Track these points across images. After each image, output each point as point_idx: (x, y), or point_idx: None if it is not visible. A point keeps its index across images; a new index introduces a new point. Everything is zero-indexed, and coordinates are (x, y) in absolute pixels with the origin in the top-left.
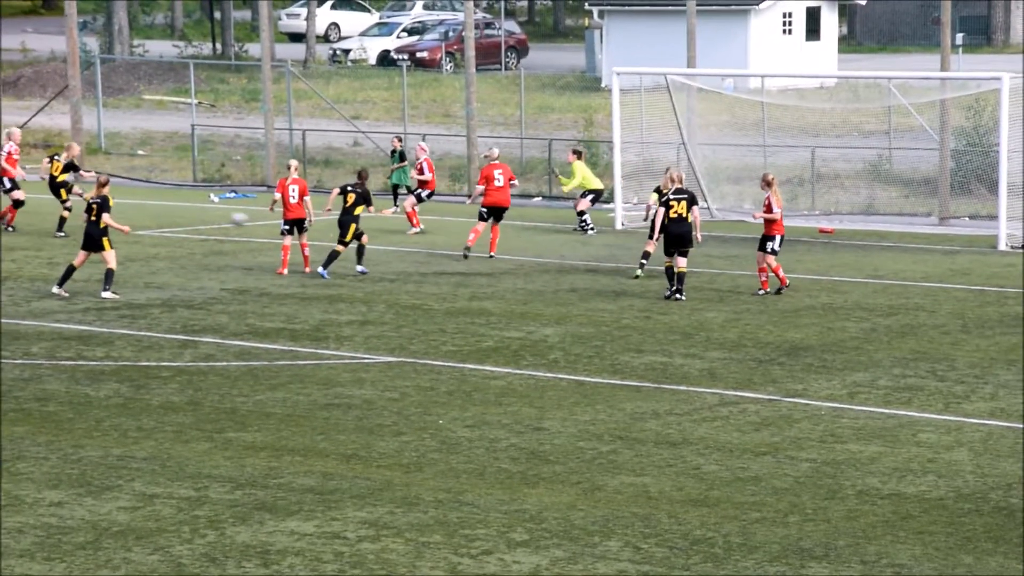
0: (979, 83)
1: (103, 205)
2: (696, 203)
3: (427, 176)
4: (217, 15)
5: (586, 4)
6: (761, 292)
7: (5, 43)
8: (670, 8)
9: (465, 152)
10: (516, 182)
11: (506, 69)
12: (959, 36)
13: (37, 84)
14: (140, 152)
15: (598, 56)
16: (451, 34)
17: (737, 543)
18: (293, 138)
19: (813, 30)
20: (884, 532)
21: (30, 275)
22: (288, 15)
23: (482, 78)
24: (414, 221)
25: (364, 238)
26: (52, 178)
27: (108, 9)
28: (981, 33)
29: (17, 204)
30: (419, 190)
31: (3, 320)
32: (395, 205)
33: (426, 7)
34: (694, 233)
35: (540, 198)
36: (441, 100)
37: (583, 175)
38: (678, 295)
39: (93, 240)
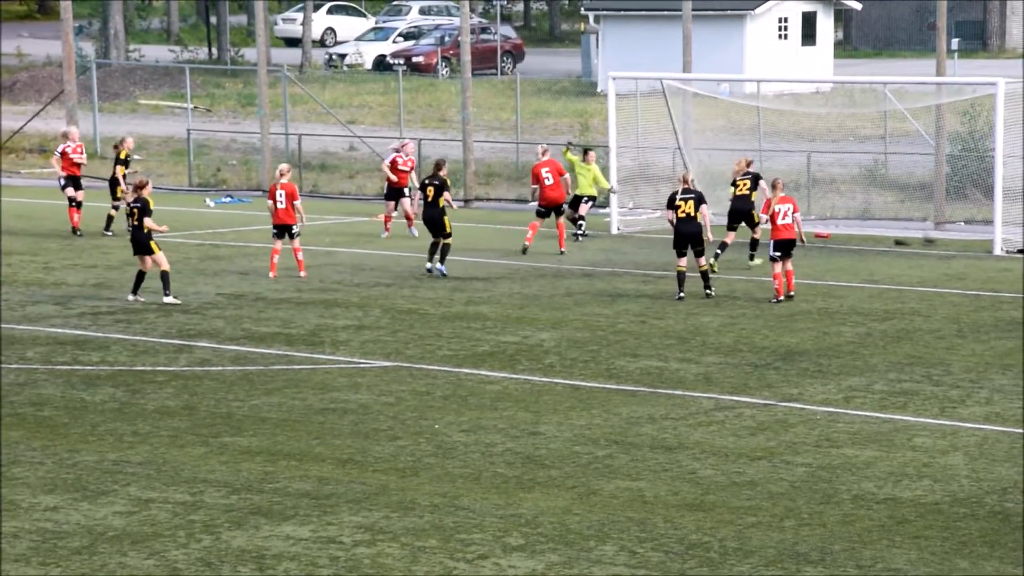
0: (975, 88)
1: (144, 209)
2: (704, 202)
3: (392, 175)
4: (213, 20)
5: (582, 9)
6: (775, 300)
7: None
8: (666, 13)
9: (461, 157)
10: (567, 176)
11: (502, 74)
12: (955, 41)
13: (33, 89)
14: (136, 157)
15: (594, 61)
16: (447, 39)
17: (733, 547)
18: (289, 143)
19: (809, 35)
20: (880, 536)
21: (26, 279)
22: (284, 20)
23: (478, 83)
24: (387, 227)
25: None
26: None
27: (104, 14)
28: (977, 38)
29: (73, 203)
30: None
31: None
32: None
33: (422, 12)
34: (704, 233)
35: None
36: (437, 105)
37: (596, 175)
38: (708, 291)
39: (140, 245)
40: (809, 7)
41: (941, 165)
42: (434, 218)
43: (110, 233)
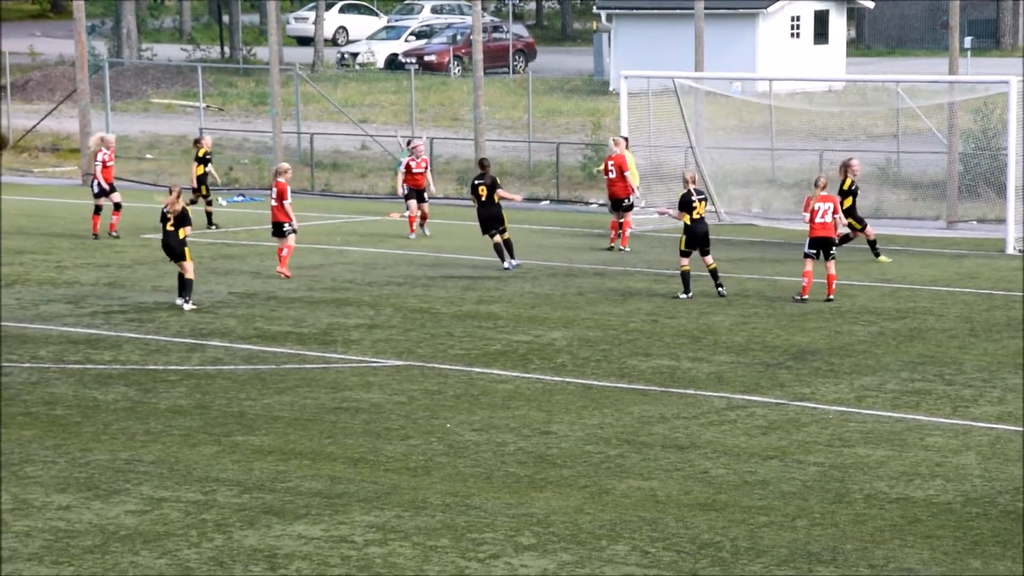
0: (987, 86)
1: (184, 217)
2: (706, 200)
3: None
4: (225, 19)
5: (594, 8)
6: (799, 298)
7: (14, 47)
8: (678, 12)
9: (473, 156)
10: (627, 172)
11: (514, 73)
12: (967, 39)
13: (46, 88)
14: (148, 156)
15: (606, 60)
16: (459, 38)
17: (745, 547)
18: (301, 142)
19: (821, 33)
20: (892, 536)
21: (38, 279)
22: (296, 19)
23: (490, 82)
24: (411, 226)
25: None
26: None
27: (117, 13)
28: (990, 36)
29: (98, 210)
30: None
31: (12, 324)
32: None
33: (434, 11)
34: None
35: (548, 202)
36: (449, 104)
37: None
38: (720, 289)
39: (176, 251)
40: (822, 6)
41: (954, 163)
42: (493, 215)
43: (215, 227)
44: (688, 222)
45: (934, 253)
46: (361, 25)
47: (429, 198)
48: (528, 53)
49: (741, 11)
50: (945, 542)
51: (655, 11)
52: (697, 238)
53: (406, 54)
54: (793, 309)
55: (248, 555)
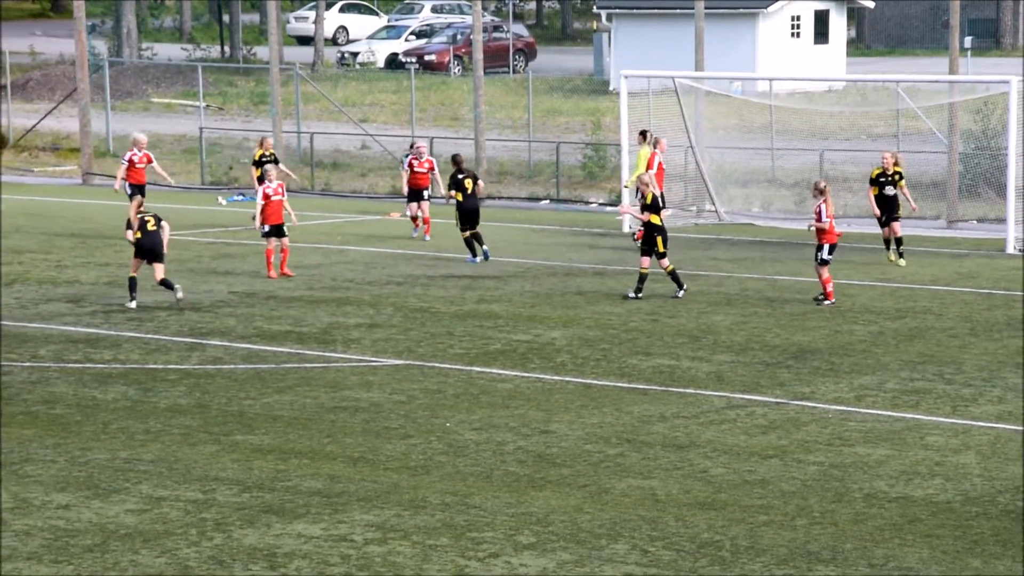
0: (988, 86)
1: (159, 217)
2: None
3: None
4: (225, 18)
5: (594, 7)
6: (827, 302)
7: (14, 46)
8: (678, 11)
9: (473, 155)
10: (651, 172)
11: (514, 72)
12: (968, 39)
13: (46, 87)
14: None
15: (606, 59)
16: (459, 37)
17: (744, 546)
18: (301, 141)
19: (821, 33)
20: (891, 535)
21: (38, 278)
22: (296, 18)
23: (490, 81)
24: (416, 224)
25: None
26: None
27: (117, 12)
28: (990, 36)
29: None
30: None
31: (12, 323)
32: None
33: (434, 10)
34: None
35: (548, 201)
36: (449, 103)
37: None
38: (681, 289)
39: (152, 251)
40: (822, 5)
41: (954, 163)
42: (476, 208)
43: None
44: (657, 223)
45: (934, 253)
46: (361, 24)
47: (429, 197)
48: (528, 53)
49: (741, 11)
50: (945, 541)
51: (655, 11)
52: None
53: (406, 53)
54: (792, 308)
55: (248, 554)
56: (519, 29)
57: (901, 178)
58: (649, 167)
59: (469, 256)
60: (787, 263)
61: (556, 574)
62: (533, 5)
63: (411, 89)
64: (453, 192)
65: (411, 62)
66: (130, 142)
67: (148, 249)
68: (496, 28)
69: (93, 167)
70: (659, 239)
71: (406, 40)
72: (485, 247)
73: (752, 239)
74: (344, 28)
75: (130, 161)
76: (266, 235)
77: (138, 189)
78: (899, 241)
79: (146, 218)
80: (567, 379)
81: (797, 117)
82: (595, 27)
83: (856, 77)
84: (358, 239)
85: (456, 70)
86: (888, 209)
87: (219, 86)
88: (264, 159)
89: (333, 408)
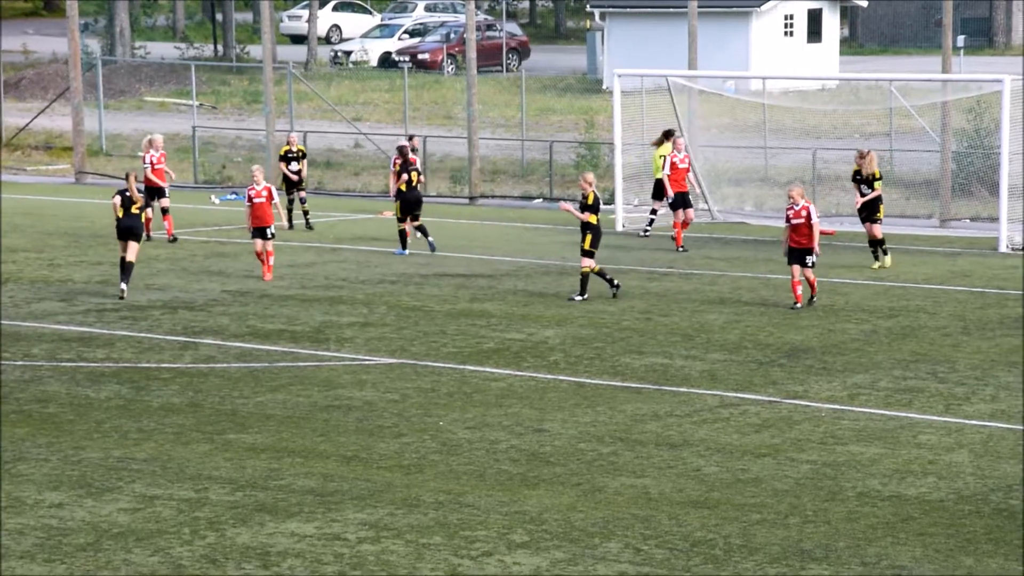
0: (980, 85)
1: (146, 203)
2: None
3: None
4: (219, 17)
5: (587, 6)
6: (797, 305)
7: (7, 44)
8: (671, 10)
9: (466, 154)
10: (663, 173)
11: (507, 71)
12: (960, 38)
13: (39, 86)
14: (141, 153)
15: (599, 58)
16: (452, 36)
17: (737, 544)
18: None
19: (815, 32)
20: (884, 534)
21: (31, 277)
22: (290, 17)
23: (483, 80)
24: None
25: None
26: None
27: (110, 11)
28: (983, 35)
29: (164, 211)
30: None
31: (5, 322)
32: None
33: (428, 9)
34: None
35: (541, 200)
36: (442, 102)
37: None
38: (615, 287)
39: (135, 233)
40: (815, 4)
41: (947, 162)
42: (419, 198)
43: (290, 226)
44: (594, 222)
45: (927, 251)
46: (355, 23)
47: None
48: (522, 51)
49: (734, 9)
50: (937, 539)
51: (648, 9)
52: (601, 238)
53: (400, 52)
54: (786, 308)
55: (241, 553)
56: (512, 28)
57: (878, 179)
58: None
59: (398, 248)
60: (780, 262)
61: (549, 573)
62: (526, 4)
63: (404, 88)
64: (399, 181)
65: (404, 61)
66: (145, 143)
67: (126, 228)
68: (489, 27)
69: (86, 166)
70: (588, 237)
71: (399, 39)
72: (431, 239)
73: (745, 238)
74: (337, 27)
75: (151, 163)
76: (252, 236)
77: (156, 192)
78: (880, 242)
79: (133, 199)
80: (560, 378)
81: (790, 116)
82: (588, 26)
83: (849, 76)
84: (351, 238)
85: (449, 69)
86: (864, 209)
87: (212, 85)
88: (290, 155)
89: (326, 407)
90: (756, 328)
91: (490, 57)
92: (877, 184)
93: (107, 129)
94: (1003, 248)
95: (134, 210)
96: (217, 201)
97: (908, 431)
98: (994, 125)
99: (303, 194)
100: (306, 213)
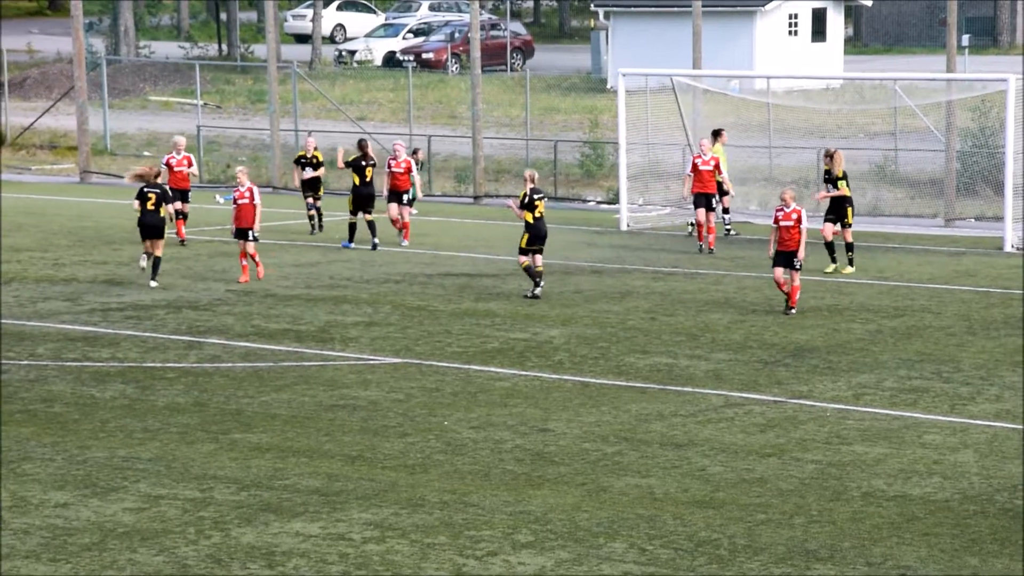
0: (985, 84)
1: (164, 195)
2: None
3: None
4: (223, 16)
5: (592, 5)
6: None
7: (12, 44)
8: (676, 9)
9: (471, 153)
10: (683, 174)
11: (512, 70)
12: (965, 37)
13: (43, 85)
14: (146, 153)
15: (604, 57)
16: (457, 35)
17: (742, 544)
18: (299, 139)
19: (819, 31)
20: (889, 534)
21: (35, 276)
22: (294, 16)
23: (488, 79)
24: (396, 226)
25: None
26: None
27: (114, 10)
28: (987, 34)
29: (180, 215)
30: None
31: (10, 321)
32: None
33: (432, 8)
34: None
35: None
36: (447, 101)
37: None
38: (536, 291)
39: (156, 229)
40: (819, 3)
41: (951, 162)
42: (371, 194)
43: (317, 231)
44: (531, 220)
45: (932, 251)
46: (359, 22)
47: (410, 201)
48: (526, 51)
49: (739, 9)
50: (943, 539)
51: (653, 8)
52: (539, 237)
53: (404, 52)
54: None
55: (246, 552)
56: (517, 27)
57: (843, 178)
58: (696, 165)
59: (345, 241)
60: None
61: (554, 573)
62: (531, 3)
63: (408, 87)
64: (351, 169)
65: (409, 60)
66: (171, 145)
67: (150, 226)
68: (494, 26)
69: (91, 165)
70: (525, 235)
71: (404, 38)
72: (375, 239)
73: (750, 237)
74: (342, 26)
75: (168, 164)
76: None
77: (180, 194)
78: (849, 247)
79: (149, 195)
80: (565, 377)
81: (794, 115)
82: (593, 25)
83: (854, 75)
84: (356, 238)
85: (454, 68)
86: (832, 211)
87: (217, 84)
88: (304, 160)
89: (331, 406)
90: (761, 328)
91: (494, 56)
92: (841, 184)
93: (111, 128)
94: (1008, 247)
95: (149, 206)
96: (221, 200)
97: (913, 431)
98: (999, 124)
99: (319, 203)
100: (320, 216)
